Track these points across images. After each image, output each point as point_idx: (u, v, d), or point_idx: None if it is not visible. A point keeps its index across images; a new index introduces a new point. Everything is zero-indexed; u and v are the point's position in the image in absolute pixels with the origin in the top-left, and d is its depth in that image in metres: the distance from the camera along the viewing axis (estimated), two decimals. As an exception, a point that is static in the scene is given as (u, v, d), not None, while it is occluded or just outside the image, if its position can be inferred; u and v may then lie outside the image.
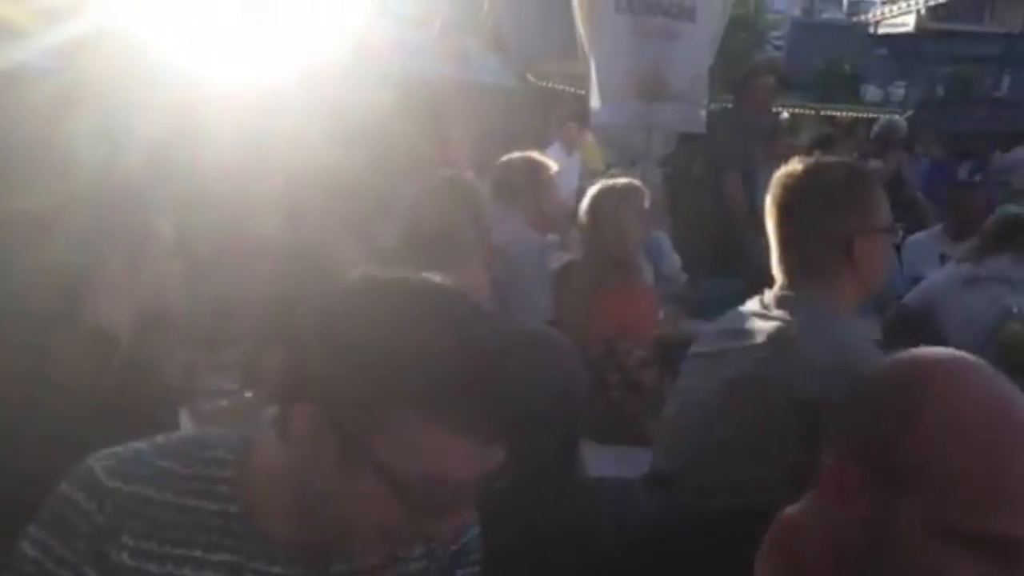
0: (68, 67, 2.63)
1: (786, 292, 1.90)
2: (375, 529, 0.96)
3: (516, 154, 3.41)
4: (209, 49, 3.12)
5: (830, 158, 2.08)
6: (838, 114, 12.53)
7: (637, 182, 3.64)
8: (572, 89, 7.81)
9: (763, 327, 1.88)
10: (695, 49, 4.84)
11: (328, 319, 0.97)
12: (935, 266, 4.46)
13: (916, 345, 1.06)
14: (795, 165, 1.91)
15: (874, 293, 2.04)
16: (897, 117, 8.33)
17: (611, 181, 3.60)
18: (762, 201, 1.97)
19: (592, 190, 3.48)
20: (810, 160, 1.93)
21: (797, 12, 16.81)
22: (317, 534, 0.99)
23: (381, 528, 0.96)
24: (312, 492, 0.97)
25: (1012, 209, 4.47)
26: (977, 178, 7.14)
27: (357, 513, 0.95)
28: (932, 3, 16.82)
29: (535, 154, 3.46)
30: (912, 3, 17.22)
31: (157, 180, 1.81)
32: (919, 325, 3.66)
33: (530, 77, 9.83)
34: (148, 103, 2.30)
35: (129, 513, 1.00)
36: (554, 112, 9.57)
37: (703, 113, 4.99)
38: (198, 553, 1.01)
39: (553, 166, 3.47)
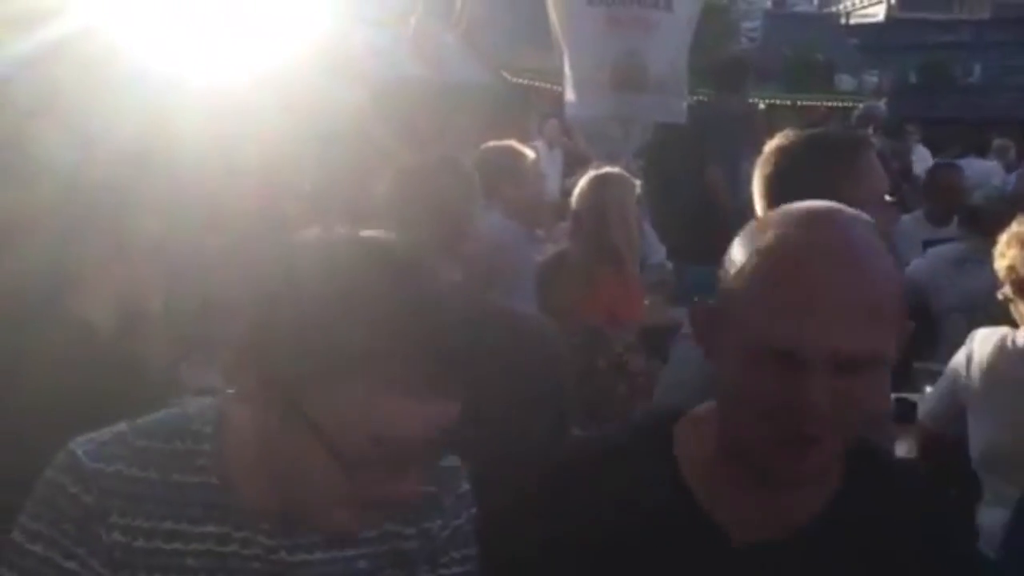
0: (39, 74, 2.62)
1: (773, 269, 1.89)
2: (325, 494, 0.95)
3: (494, 143, 3.36)
4: (183, 53, 3.11)
5: (817, 129, 2.05)
6: (817, 104, 12.59)
7: (626, 173, 3.65)
8: (548, 85, 7.80)
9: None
10: (673, 39, 4.81)
11: (268, 279, 0.97)
12: (918, 252, 4.45)
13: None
14: (782, 138, 1.88)
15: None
16: (877, 103, 8.39)
17: (604, 170, 3.59)
18: (747, 192, 1.95)
19: (586, 179, 3.46)
20: (796, 132, 1.90)
21: (768, 3, 16.90)
22: (286, 502, 0.99)
23: (330, 492, 0.94)
24: (270, 457, 0.98)
25: (980, 193, 4.54)
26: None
27: (304, 477, 0.95)
28: (901, -8, 16.96)
29: (514, 143, 3.41)
30: (881, -7, 17.35)
31: (137, 179, 1.80)
32: (911, 307, 3.67)
33: (505, 74, 9.83)
34: (123, 106, 2.28)
35: (115, 493, 1.00)
36: (534, 109, 9.56)
37: (684, 104, 4.97)
38: (185, 526, 1.01)
39: (531, 154, 3.43)
